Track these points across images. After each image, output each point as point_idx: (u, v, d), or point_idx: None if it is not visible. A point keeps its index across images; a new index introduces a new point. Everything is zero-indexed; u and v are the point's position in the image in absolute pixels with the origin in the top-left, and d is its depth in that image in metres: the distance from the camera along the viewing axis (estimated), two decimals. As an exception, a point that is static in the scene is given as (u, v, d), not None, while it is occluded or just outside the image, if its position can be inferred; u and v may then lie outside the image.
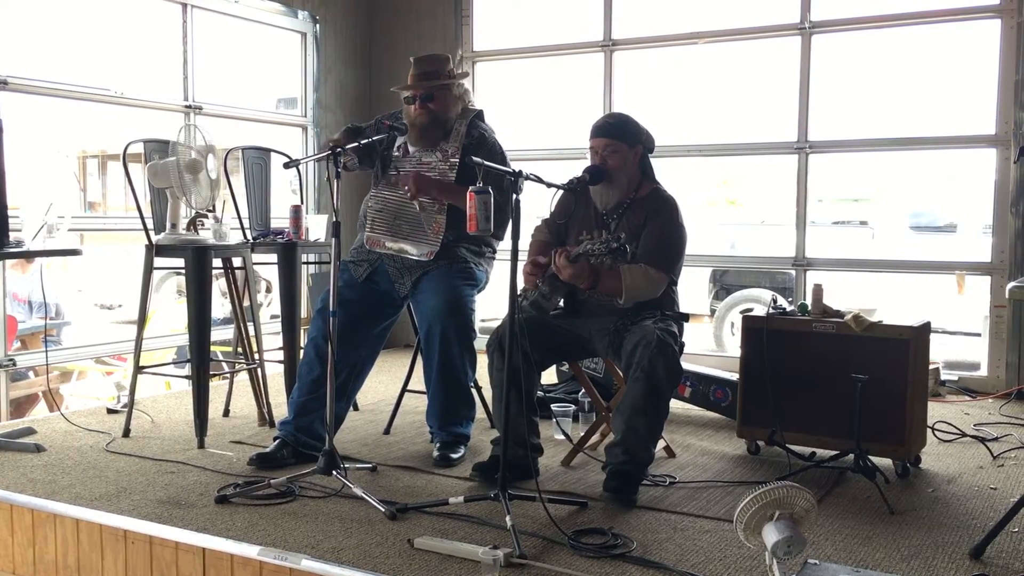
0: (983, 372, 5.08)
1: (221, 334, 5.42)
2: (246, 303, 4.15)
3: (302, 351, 3.67)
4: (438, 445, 3.52)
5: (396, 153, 3.64)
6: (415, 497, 3.03)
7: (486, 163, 2.91)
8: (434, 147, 3.56)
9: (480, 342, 3.42)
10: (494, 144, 3.59)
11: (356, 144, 3.36)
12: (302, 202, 4.46)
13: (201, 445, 3.68)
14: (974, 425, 4.11)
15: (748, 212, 9.54)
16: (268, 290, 7.30)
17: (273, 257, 4.17)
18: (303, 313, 4.48)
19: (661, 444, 3.44)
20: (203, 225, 3.87)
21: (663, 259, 3.21)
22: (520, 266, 2.98)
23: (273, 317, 5.56)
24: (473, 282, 3.57)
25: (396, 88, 3.63)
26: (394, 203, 3.60)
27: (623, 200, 3.31)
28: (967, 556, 2.56)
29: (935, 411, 4.16)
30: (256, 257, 4.18)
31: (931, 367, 4.18)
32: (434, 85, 3.52)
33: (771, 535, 2.19)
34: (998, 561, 2.54)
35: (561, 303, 3.35)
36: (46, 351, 4.41)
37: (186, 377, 3.88)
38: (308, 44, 6.11)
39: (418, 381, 4.15)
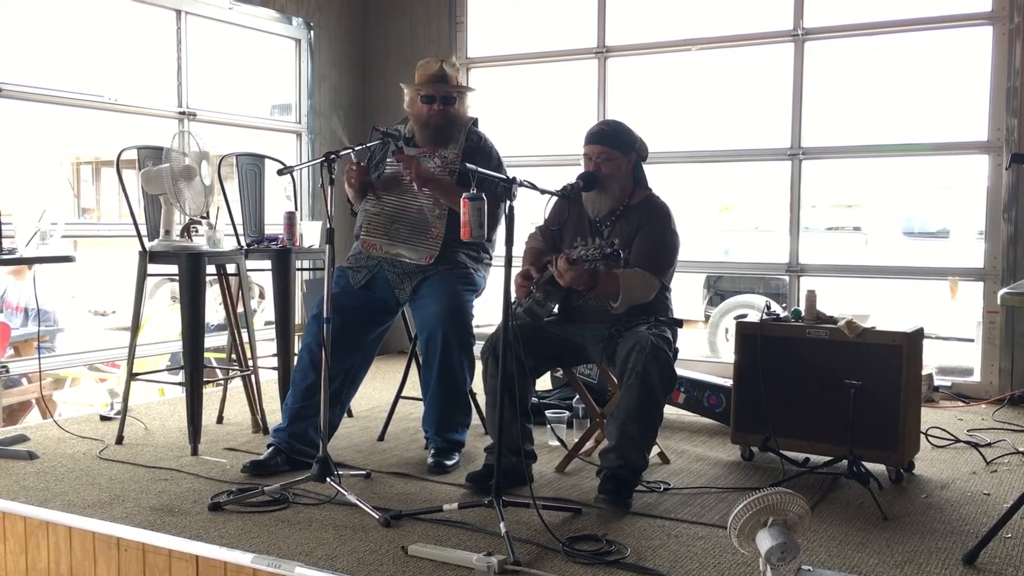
0: (976, 378, 5.09)
1: (215, 341, 5.42)
2: (240, 309, 4.14)
3: (296, 358, 3.67)
4: (432, 452, 3.52)
5: (390, 159, 3.64)
6: (409, 504, 3.03)
7: (480, 169, 2.91)
8: (435, 152, 3.59)
9: (475, 348, 3.42)
10: (491, 149, 3.65)
11: (349, 149, 3.36)
12: (296, 209, 4.46)
13: (195, 452, 3.67)
14: (967, 431, 4.12)
15: (742, 218, 9.55)
16: (261, 296, 7.29)
17: (267, 263, 4.17)
18: (297, 319, 4.48)
19: (655, 450, 3.44)
20: (197, 231, 3.87)
21: (656, 264, 3.21)
22: (514, 273, 2.98)
23: (267, 323, 5.56)
24: (472, 287, 3.58)
25: (417, 84, 3.59)
26: (391, 207, 3.60)
27: (616, 207, 3.32)
28: (960, 562, 2.57)
29: (928, 417, 4.16)
30: (250, 263, 4.18)
31: (924, 373, 4.19)
32: (458, 88, 3.61)
33: (765, 541, 2.19)
34: (991, 567, 2.54)
35: (555, 309, 3.35)
36: (39, 358, 4.40)
37: (180, 384, 3.87)
38: (302, 50, 6.12)
39: (412, 388, 4.15)
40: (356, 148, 3.40)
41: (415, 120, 3.60)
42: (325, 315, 3.08)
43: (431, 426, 3.54)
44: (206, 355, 4.31)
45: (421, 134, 3.59)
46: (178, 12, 5.30)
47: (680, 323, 3.34)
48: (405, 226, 3.57)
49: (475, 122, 3.71)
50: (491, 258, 3.71)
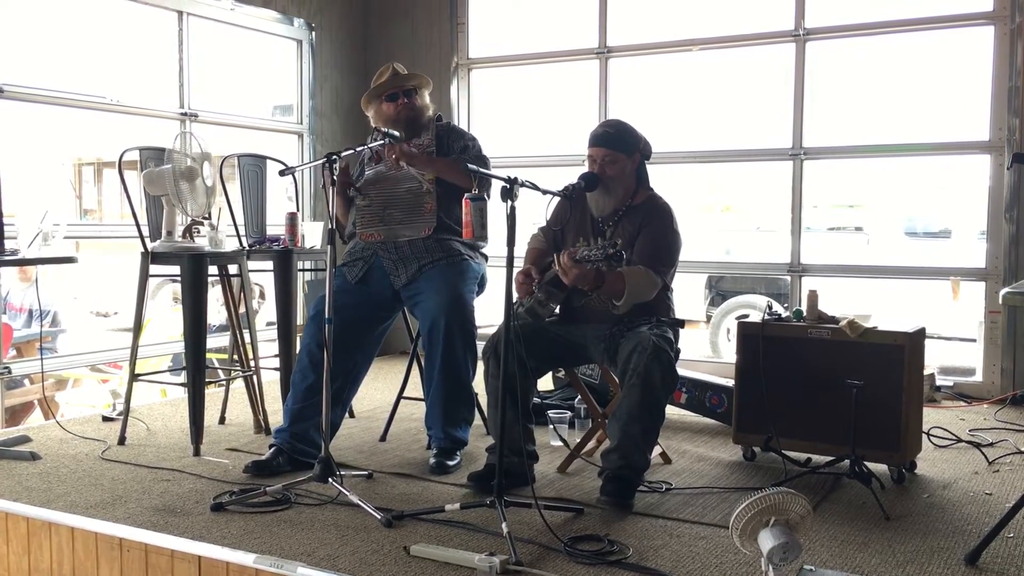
0: (978, 378, 5.09)
1: (217, 341, 5.42)
2: (242, 310, 4.15)
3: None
4: (434, 452, 3.52)
5: (367, 164, 3.74)
6: (411, 504, 3.03)
7: (481, 170, 2.92)
8: (410, 144, 3.64)
9: (478, 345, 3.42)
10: (461, 128, 3.86)
11: (352, 150, 3.37)
12: (298, 209, 4.46)
13: (197, 453, 3.68)
14: (969, 431, 4.12)
15: (743, 218, 9.55)
16: (262, 296, 7.29)
17: (269, 264, 4.18)
18: (299, 320, 4.48)
19: (657, 450, 3.44)
20: (199, 232, 3.87)
21: (658, 264, 3.21)
22: (515, 273, 2.98)
23: (269, 324, 5.56)
24: (472, 276, 3.60)
25: (376, 89, 3.70)
26: (380, 197, 3.66)
27: (619, 207, 3.32)
28: (962, 562, 2.57)
29: (930, 417, 4.16)
30: (252, 264, 4.18)
31: (926, 373, 4.19)
32: (415, 81, 3.72)
33: (767, 541, 2.19)
34: (993, 567, 2.54)
35: (557, 310, 3.35)
36: (41, 359, 4.40)
37: (182, 385, 3.88)
38: (304, 51, 6.12)
39: (414, 388, 4.16)
40: (358, 148, 3.42)
41: (386, 123, 3.68)
42: (327, 315, 3.08)
43: (435, 422, 3.53)
44: (208, 356, 4.32)
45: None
46: (180, 13, 5.31)
47: (682, 323, 3.34)
48: (398, 209, 3.63)
49: (439, 116, 3.84)
50: (486, 243, 3.73)
